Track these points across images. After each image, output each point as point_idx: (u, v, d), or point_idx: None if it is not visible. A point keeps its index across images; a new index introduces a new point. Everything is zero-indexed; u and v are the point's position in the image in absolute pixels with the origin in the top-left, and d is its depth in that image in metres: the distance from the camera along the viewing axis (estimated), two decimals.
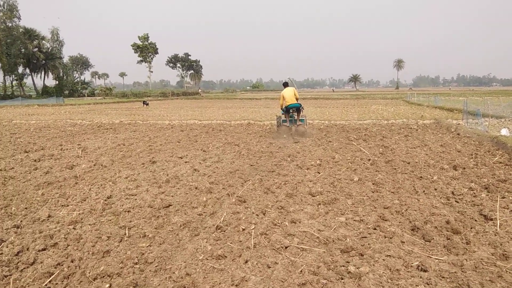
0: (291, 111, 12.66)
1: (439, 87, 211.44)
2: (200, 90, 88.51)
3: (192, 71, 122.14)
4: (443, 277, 3.26)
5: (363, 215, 4.84)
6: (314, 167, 7.75)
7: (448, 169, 7.33)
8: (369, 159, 8.42)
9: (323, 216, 4.88)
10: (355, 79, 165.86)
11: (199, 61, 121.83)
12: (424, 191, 5.89)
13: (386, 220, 4.65)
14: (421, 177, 6.77)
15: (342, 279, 3.27)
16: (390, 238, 4.12)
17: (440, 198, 5.55)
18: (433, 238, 4.08)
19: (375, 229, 4.39)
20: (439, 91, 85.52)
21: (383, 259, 3.59)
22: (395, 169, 7.48)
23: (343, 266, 3.48)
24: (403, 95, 57.07)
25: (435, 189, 5.97)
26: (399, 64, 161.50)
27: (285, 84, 12.81)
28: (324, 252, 3.80)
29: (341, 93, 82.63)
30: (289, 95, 12.27)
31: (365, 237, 4.17)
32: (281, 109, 12.88)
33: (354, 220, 4.68)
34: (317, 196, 5.69)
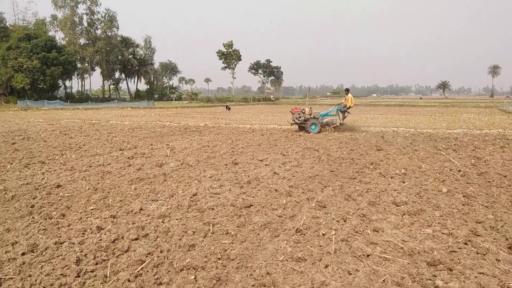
0: (348, 110, 16.75)
1: None
2: (272, 97, 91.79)
3: (273, 77, 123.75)
4: None
5: (452, 228, 4.56)
6: (398, 176, 7.45)
7: None
8: (459, 170, 7.88)
9: (408, 226, 4.68)
10: (443, 86, 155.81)
11: (280, 67, 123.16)
12: None
13: (478, 235, 4.34)
14: None
15: None
16: (484, 254, 3.84)
17: None
18: None
19: (465, 243, 4.12)
20: None
21: (474, 276, 3.36)
22: (489, 182, 6.92)
23: (430, 279, 3.31)
24: (499, 103, 52.54)
25: None
26: (494, 70, 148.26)
27: (347, 90, 17.13)
28: (409, 263, 3.65)
29: (428, 101, 78.35)
30: (353, 99, 16.73)
31: (455, 251, 3.92)
32: (346, 107, 16.54)
33: (442, 233, 4.43)
34: (402, 206, 5.47)
